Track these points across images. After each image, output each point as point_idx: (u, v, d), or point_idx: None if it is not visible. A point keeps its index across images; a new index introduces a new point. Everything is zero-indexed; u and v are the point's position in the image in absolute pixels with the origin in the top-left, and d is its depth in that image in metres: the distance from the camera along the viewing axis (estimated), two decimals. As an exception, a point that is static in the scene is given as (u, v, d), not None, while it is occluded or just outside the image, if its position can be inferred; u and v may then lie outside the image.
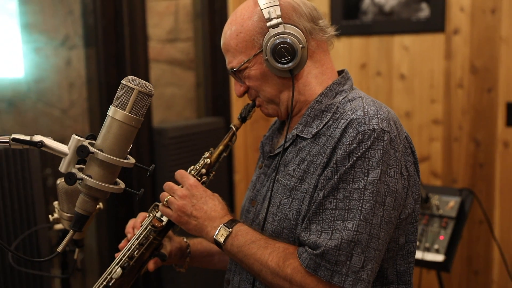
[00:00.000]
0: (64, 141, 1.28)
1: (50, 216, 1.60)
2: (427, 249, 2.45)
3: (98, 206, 1.61)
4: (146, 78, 2.93)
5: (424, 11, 3.14)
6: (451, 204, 2.55)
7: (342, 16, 3.37)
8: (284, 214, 1.39)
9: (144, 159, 2.90)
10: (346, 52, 3.41)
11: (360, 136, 1.29)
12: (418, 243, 2.49)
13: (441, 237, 2.46)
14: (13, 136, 1.22)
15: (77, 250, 1.72)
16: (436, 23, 3.11)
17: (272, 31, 1.39)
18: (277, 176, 1.45)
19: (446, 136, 3.18)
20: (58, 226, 1.71)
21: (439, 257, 2.40)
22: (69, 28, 3.03)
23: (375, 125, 1.30)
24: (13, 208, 2.00)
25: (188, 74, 3.56)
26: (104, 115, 1.70)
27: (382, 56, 3.30)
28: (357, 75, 3.39)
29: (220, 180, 3.35)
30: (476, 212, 3.00)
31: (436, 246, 2.45)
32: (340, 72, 1.54)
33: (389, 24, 3.25)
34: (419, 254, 2.43)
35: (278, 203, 1.42)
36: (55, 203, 1.60)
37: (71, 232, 1.28)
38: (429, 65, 3.19)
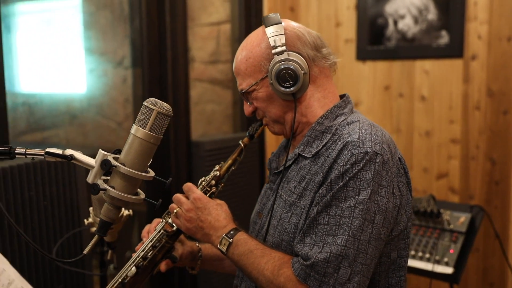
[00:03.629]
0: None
1: (85, 220, 1.63)
2: (437, 262, 2.37)
3: (127, 213, 1.64)
4: (186, 97, 2.96)
5: (444, 38, 3.06)
6: (462, 219, 2.47)
7: (368, 42, 3.33)
8: (283, 228, 1.38)
9: (182, 170, 2.92)
10: (371, 75, 3.36)
11: (354, 158, 1.28)
12: (429, 255, 2.42)
13: (451, 251, 2.37)
14: (47, 150, 1.25)
15: (110, 251, 1.74)
16: (455, 50, 3.03)
17: (277, 58, 1.39)
18: (280, 192, 1.44)
19: (463, 154, 3.09)
20: (93, 229, 1.74)
21: (449, 270, 2.32)
22: (126, 50, 3.11)
23: (368, 148, 1.28)
24: (60, 210, 2.04)
25: (227, 92, 3.59)
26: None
27: (404, 79, 3.24)
28: (380, 96, 3.33)
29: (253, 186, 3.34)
30: (491, 227, 2.89)
31: (445, 259, 2.37)
32: (342, 96, 1.52)
33: (411, 50, 3.19)
34: (429, 266, 2.35)
35: (279, 217, 1.41)
36: (90, 209, 1.63)
37: (96, 236, 1.30)
38: (448, 88, 3.11)
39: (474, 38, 2.99)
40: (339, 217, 1.26)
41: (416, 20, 3.15)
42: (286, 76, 1.38)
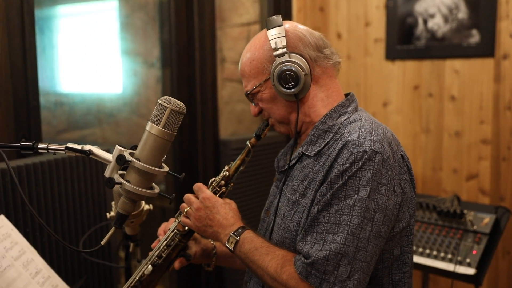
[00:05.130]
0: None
1: (107, 214, 1.69)
2: (460, 263, 2.33)
3: (148, 207, 1.70)
4: (214, 97, 3.00)
5: (475, 37, 3.01)
6: (486, 220, 2.42)
7: (397, 41, 3.30)
8: (286, 225, 1.41)
9: (209, 168, 2.97)
10: (400, 74, 3.33)
11: (353, 157, 1.29)
12: (451, 256, 2.38)
13: (474, 252, 2.33)
14: (67, 145, 1.32)
15: (131, 244, 1.80)
16: (486, 49, 2.97)
17: (278, 60, 1.41)
18: (284, 190, 1.47)
19: (494, 155, 3.02)
20: (116, 222, 1.79)
21: (471, 271, 2.28)
22: (159, 51, 3.18)
23: (367, 147, 1.29)
24: (87, 205, 2.12)
25: (256, 92, 3.61)
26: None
27: (434, 78, 3.19)
28: (410, 96, 3.29)
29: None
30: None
31: (468, 260, 2.33)
32: (348, 95, 1.52)
33: (441, 49, 3.14)
34: (451, 267, 2.32)
35: (283, 215, 1.44)
36: (113, 203, 1.70)
37: (113, 228, 1.36)
38: (478, 88, 3.05)
39: (505, 37, 2.92)
40: (339, 216, 1.27)
41: (446, 19, 3.10)
42: (288, 78, 1.40)
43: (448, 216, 2.52)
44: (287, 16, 3.55)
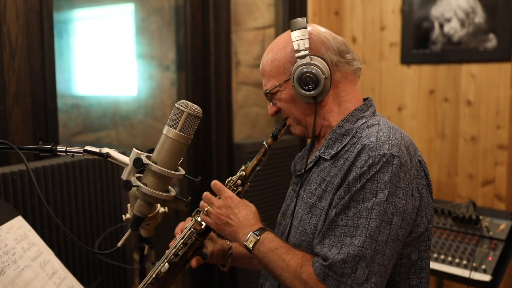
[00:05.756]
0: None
1: (123, 216, 1.71)
2: (475, 269, 2.32)
3: (163, 210, 1.71)
4: (229, 100, 3.02)
5: (492, 42, 2.99)
6: (502, 227, 2.40)
7: (413, 46, 3.29)
8: (304, 228, 1.42)
9: (223, 171, 2.98)
10: (416, 78, 3.31)
11: (371, 160, 1.29)
12: (466, 262, 2.37)
13: (490, 258, 2.32)
14: (85, 148, 1.34)
15: (146, 246, 1.82)
16: (503, 53, 2.95)
17: (300, 61, 1.43)
18: (301, 194, 1.48)
19: (511, 161, 2.99)
20: (131, 224, 1.81)
21: (486, 277, 2.27)
22: (174, 55, 3.21)
23: (385, 151, 1.30)
24: (103, 207, 2.14)
25: (271, 96, 3.61)
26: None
27: (450, 83, 3.18)
28: (425, 100, 3.28)
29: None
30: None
31: (483, 266, 2.31)
32: (365, 100, 1.53)
33: (457, 53, 3.13)
34: (466, 273, 2.31)
35: (300, 218, 1.45)
36: (128, 205, 1.71)
37: (129, 230, 1.37)
38: (495, 93, 3.03)
39: (523, 42, 2.90)
40: (356, 219, 1.28)
41: (462, 23, 3.08)
42: (308, 80, 1.41)
43: (463, 222, 2.50)
44: (302, 20, 3.55)
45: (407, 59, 3.32)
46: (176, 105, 1.32)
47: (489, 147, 3.06)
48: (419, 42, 3.26)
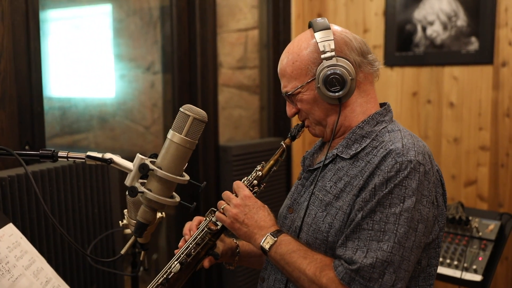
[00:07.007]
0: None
1: (120, 222, 1.68)
2: (466, 269, 2.37)
3: (160, 215, 1.69)
4: (215, 102, 3.01)
5: (474, 45, 3.06)
6: (491, 227, 2.46)
7: (396, 48, 3.34)
8: (317, 226, 1.41)
9: (210, 174, 2.97)
10: (399, 81, 3.37)
11: (398, 165, 1.30)
12: (457, 262, 2.42)
13: (480, 258, 2.37)
14: (88, 153, 1.32)
15: (142, 252, 1.79)
16: (485, 56, 3.02)
17: (326, 63, 1.42)
18: (314, 190, 1.47)
19: (493, 162, 3.07)
20: (127, 231, 1.79)
21: (477, 277, 2.32)
22: (154, 56, 3.18)
23: (412, 157, 1.31)
24: (93, 212, 2.11)
25: (254, 98, 3.63)
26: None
27: (433, 85, 3.24)
28: (408, 102, 3.34)
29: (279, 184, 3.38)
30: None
31: (474, 267, 2.37)
32: (382, 104, 1.54)
33: (440, 56, 3.19)
34: (457, 273, 2.36)
35: (314, 215, 1.44)
36: (125, 211, 1.69)
37: (133, 237, 1.36)
38: (477, 95, 3.10)
39: (504, 45, 2.98)
40: (383, 223, 1.28)
41: (445, 27, 3.15)
42: (334, 81, 1.41)
43: (453, 223, 2.55)
44: (286, 22, 3.57)
45: (390, 61, 3.37)
46: (181, 109, 1.31)
47: (472, 148, 3.13)
48: (402, 45, 3.31)
